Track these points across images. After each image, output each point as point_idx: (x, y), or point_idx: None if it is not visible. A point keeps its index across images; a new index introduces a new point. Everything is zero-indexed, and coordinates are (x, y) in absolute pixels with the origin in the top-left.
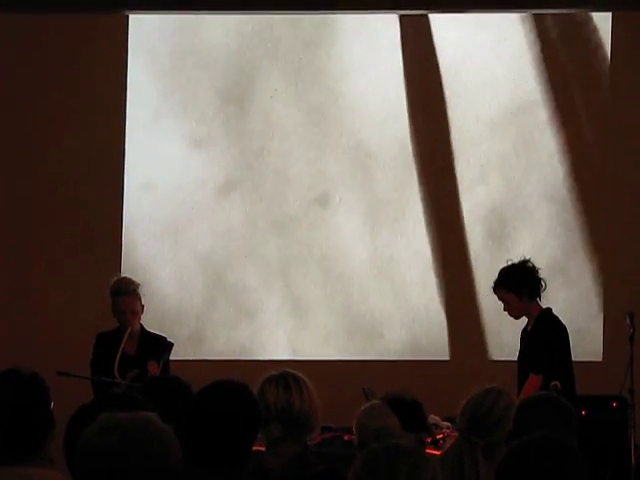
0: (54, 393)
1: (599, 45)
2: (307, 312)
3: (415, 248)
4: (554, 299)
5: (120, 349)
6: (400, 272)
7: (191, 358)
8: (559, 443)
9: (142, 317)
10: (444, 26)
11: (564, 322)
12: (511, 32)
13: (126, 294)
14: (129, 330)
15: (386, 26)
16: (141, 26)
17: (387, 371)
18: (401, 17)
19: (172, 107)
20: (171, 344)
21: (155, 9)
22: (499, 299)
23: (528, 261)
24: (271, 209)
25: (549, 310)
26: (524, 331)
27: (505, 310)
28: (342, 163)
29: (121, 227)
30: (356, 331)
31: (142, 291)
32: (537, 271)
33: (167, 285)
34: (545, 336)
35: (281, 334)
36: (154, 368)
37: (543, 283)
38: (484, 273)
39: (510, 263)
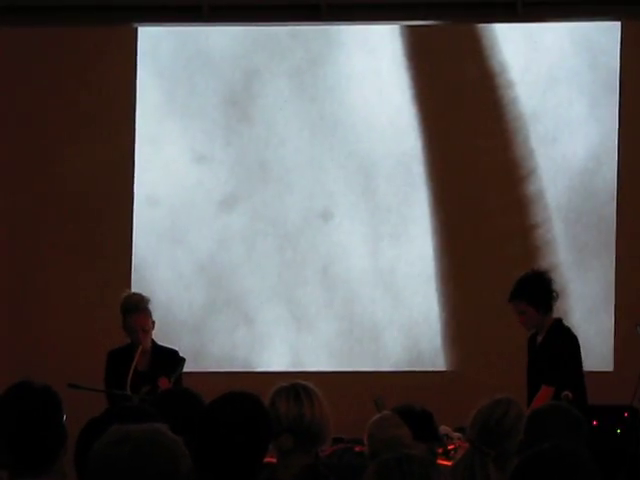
0: (65, 406)
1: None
2: (309, 324)
3: (417, 260)
4: (564, 309)
5: (132, 368)
6: (402, 283)
7: (193, 370)
8: (571, 453)
9: (153, 333)
10: (451, 37)
11: (575, 332)
12: (517, 41)
13: (137, 312)
14: (140, 348)
15: (390, 38)
16: (148, 40)
17: (392, 382)
18: (405, 28)
19: (177, 120)
20: (183, 359)
21: (163, 22)
22: (515, 310)
23: (545, 272)
24: (274, 221)
25: (560, 321)
26: (532, 341)
27: (521, 321)
28: (345, 175)
29: (131, 239)
30: (358, 342)
31: (151, 306)
32: (552, 282)
33: (172, 297)
34: (557, 347)
35: (283, 346)
36: (165, 384)
37: (555, 294)
38: (489, 284)
39: (527, 273)
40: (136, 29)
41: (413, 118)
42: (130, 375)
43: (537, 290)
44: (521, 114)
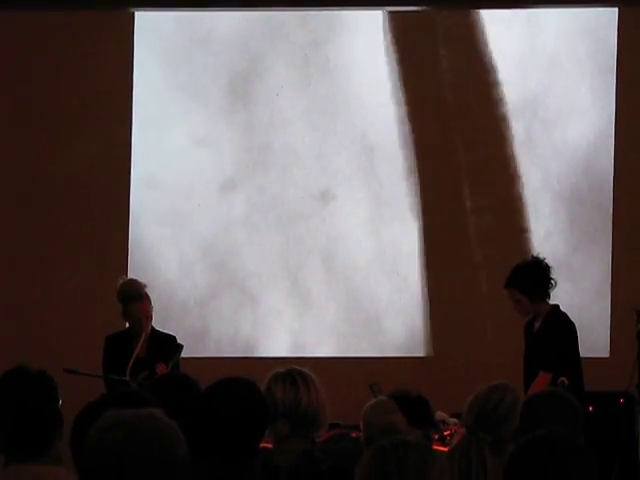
0: (61, 391)
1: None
2: (311, 307)
3: (418, 243)
4: (561, 295)
5: (135, 354)
6: (404, 267)
7: (194, 355)
8: (566, 439)
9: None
10: (448, 21)
11: (571, 319)
12: (516, 27)
13: (139, 300)
14: (144, 335)
15: (392, 22)
16: (146, 22)
17: (393, 367)
18: (403, 14)
19: (177, 103)
20: (181, 346)
21: (160, 6)
22: (510, 297)
23: (542, 260)
24: (275, 204)
25: (557, 307)
26: (529, 327)
27: (515, 309)
28: (346, 157)
29: (128, 222)
30: (360, 327)
31: (149, 291)
32: (550, 270)
33: (171, 281)
34: (554, 334)
35: (285, 330)
36: (162, 370)
37: (553, 282)
38: (488, 269)
39: (525, 261)
40: (133, 14)
41: (414, 100)
42: (131, 363)
43: (532, 279)
44: (520, 100)
